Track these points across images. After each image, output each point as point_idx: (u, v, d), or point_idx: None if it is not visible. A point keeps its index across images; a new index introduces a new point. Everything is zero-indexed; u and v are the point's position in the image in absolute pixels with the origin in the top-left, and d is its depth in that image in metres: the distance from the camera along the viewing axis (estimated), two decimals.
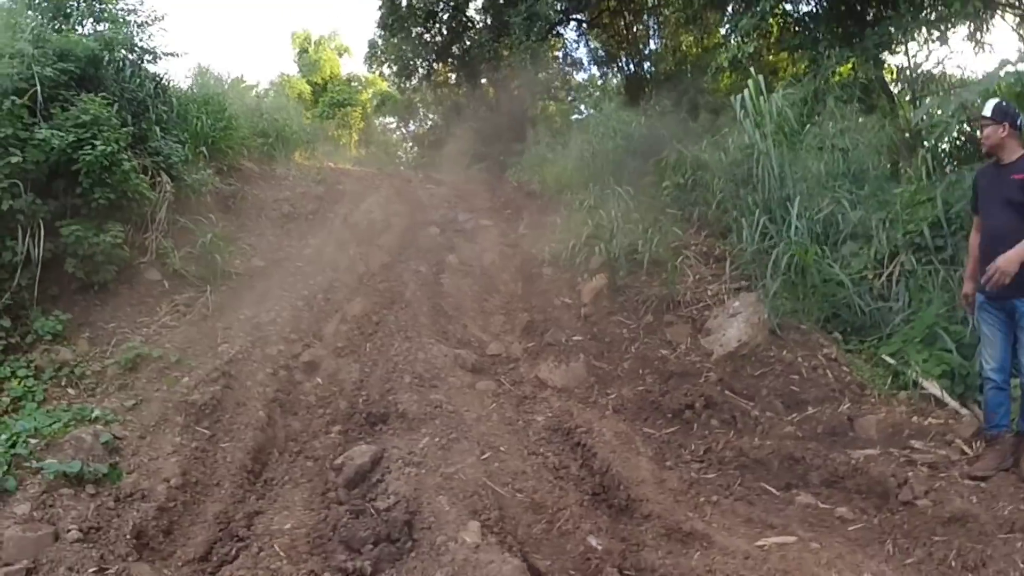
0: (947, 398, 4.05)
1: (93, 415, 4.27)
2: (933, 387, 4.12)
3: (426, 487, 3.25)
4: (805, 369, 4.42)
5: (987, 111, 3.37)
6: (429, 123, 15.00)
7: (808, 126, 6.19)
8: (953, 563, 2.57)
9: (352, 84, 16.54)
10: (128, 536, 3.24)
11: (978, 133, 3.51)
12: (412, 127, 15.84)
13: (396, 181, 9.97)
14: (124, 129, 5.74)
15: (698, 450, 3.89)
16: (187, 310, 5.86)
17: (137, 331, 5.48)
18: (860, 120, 6.30)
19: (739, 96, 5.77)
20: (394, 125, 16.55)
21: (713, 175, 6.24)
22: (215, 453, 4.11)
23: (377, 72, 15.37)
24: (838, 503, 3.15)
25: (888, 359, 4.49)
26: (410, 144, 16.11)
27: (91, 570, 2.95)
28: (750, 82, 5.69)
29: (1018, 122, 3.34)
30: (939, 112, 5.16)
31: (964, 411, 3.93)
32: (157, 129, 6.40)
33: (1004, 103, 3.42)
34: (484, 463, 3.63)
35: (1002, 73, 4.88)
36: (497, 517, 3.07)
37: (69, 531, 3.26)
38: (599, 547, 2.95)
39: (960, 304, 4.00)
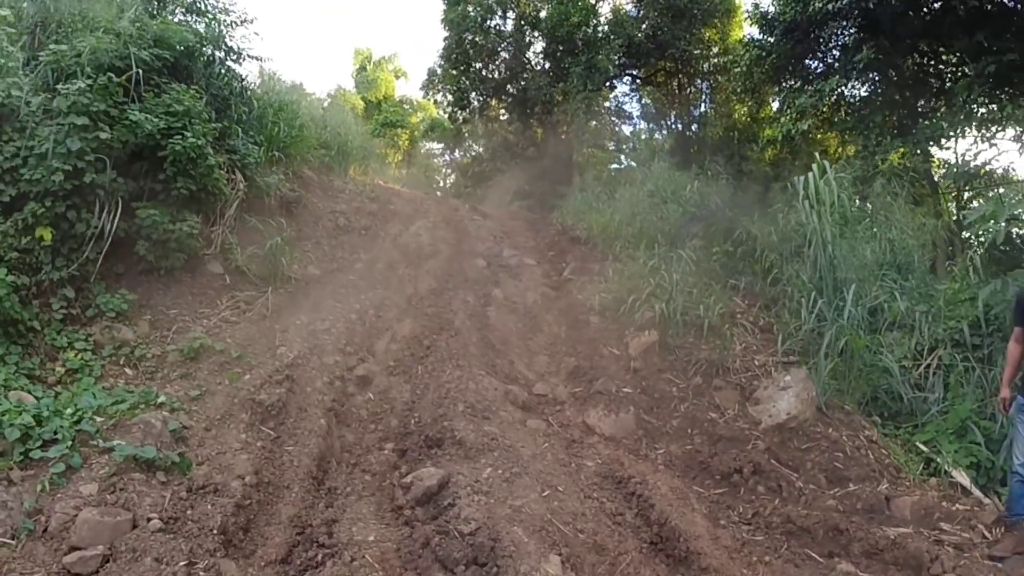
0: (973, 488, 4.41)
1: (159, 400, 4.43)
2: (962, 477, 4.48)
3: (497, 517, 3.52)
4: (848, 448, 4.75)
5: None
6: (474, 154, 15.56)
7: (857, 211, 6.63)
8: None
9: (404, 106, 17.15)
10: (215, 531, 3.33)
11: None
12: (457, 155, 16.40)
13: (444, 208, 10.38)
14: (212, 124, 6.07)
15: (746, 512, 4.20)
16: (247, 308, 6.17)
17: (198, 321, 5.76)
18: (906, 210, 6.74)
19: (802, 178, 6.20)
20: (439, 151, 17.16)
21: (763, 248, 6.63)
22: (281, 456, 4.35)
23: (432, 99, 16.00)
24: (876, 573, 3.49)
25: (922, 446, 4.84)
26: (451, 172, 16.67)
27: (181, 563, 2.99)
28: (815, 165, 6.13)
29: None
30: (991, 217, 5.60)
31: (987, 500, 4.30)
32: (239, 129, 6.76)
33: None
34: (545, 500, 3.91)
35: None
36: (568, 554, 3.35)
37: (150, 520, 3.27)
38: None
39: (996, 406, 4.35)
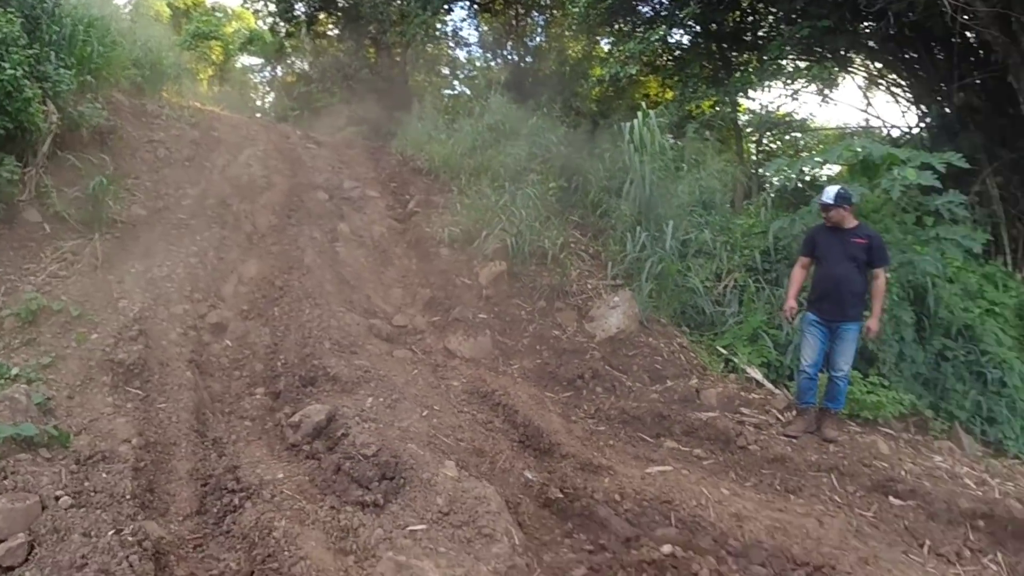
0: (765, 381, 5.79)
1: (12, 373, 4.20)
2: (755, 373, 5.85)
3: (390, 438, 4.05)
4: (665, 353, 5.96)
5: (830, 199, 4.98)
6: (299, 72, 14.62)
7: (673, 153, 7.83)
8: (778, 487, 4.15)
9: (217, 14, 15.41)
10: (127, 497, 3.39)
11: (822, 212, 5.15)
12: (279, 73, 15.30)
13: (273, 135, 9.97)
14: (29, 51, 5.40)
15: (590, 409, 5.21)
16: (75, 259, 5.75)
17: (25, 279, 5.33)
18: (713, 154, 8.10)
19: (628, 124, 7.17)
20: (257, 67, 15.86)
21: (593, 185, 7.61)
22: (157, 414, 4.40)
23: (250, 7, 14.57)
24: (695, 447, 4.66)
25: (722, 350, 6.17)
26: (271, 91, 15.57)
27: (110, 532, 3.02)
28: (640, 113, 7.12)
29: (853, 201, 5.06)
30: (786, 170, 7.04)
31: (777, 391, 5.68)
32: (51, 52, 6.02)
33: (843, 191, 5.03)
34: (426, 419, 4.53)
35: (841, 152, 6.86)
36: (457, 459, 4.04)
37: (58, 498, 3.24)
38: (534, 479, 4.08)
39: (782, 316, 5.72)
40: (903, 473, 4.54)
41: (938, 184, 5.93)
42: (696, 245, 6.91)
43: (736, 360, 5.92)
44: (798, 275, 5.24)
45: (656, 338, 6.13)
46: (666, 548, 3.23)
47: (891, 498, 4.27)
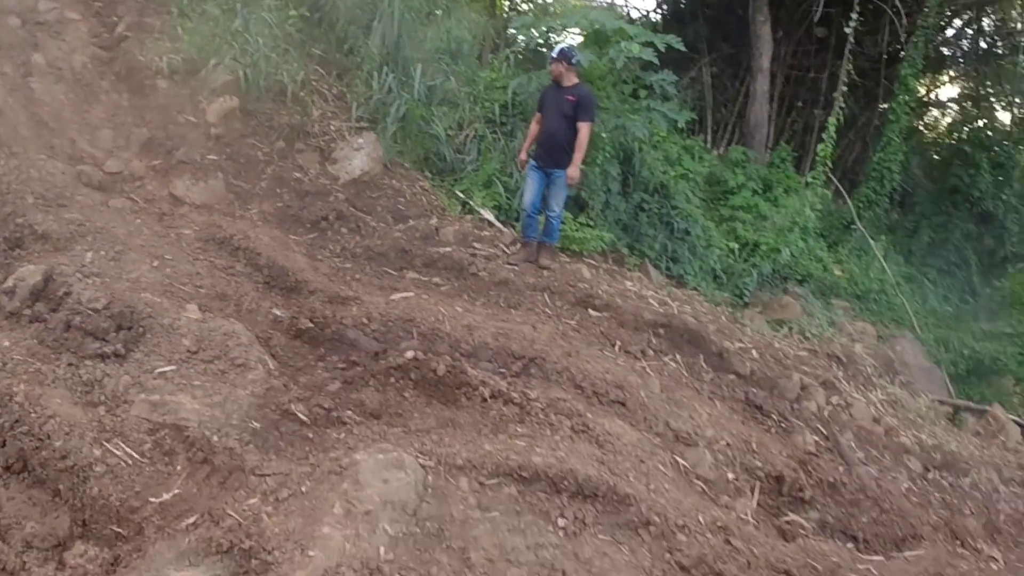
0: (496, 222, 6.55)
1: None
2: (488, 214, 6.57)
3: (120, 291, 3.89)
4: (408, 195, 6.35)
5: (555, 54, 5.68)
6: None
7: None
8: (502, 304, 4.96)
9: None
10: None
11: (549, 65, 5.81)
12: None
13: None
14: None
15: (336, 248, 5.48)
16: None
17: None
18: (464, 5, 8.23)
19: None
20: None
21: (340, 15, 7.23)
22: None
23: None
24: (433, 276, 5.29)
25: (460, 194, 6.75)
26: None
27: None
28: None
29: (573, 60, 5.74)
30: (530, 29, 7.47)
31: (506, 230, 6.50)
32: None
33: (566, 48, 5.73)
34: (158, 269, 4.37)
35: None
36: (199, 304, 4.03)
37: None
38: (283, 315, 4.29)
39: (515, 165, 6.36)
40: (600, 292, 5.71)
41: (656, 62, 6.94)
42: (442, 93, 7.17)
43: (472, 203, 6.58)
44: (533, 129, 5.99)
45: (400, 181, 6.45)
46: (409, 354, 3.79)
47: (590, 310, 5.42)
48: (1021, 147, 11.62)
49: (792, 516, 4.08)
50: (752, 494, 4.11)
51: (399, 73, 6.83)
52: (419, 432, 3.33)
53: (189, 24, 6.56)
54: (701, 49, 11.98)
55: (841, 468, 4.79)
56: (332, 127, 6.78)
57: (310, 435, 3.21)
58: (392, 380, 3.72)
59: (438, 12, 7.88)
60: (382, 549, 2.48)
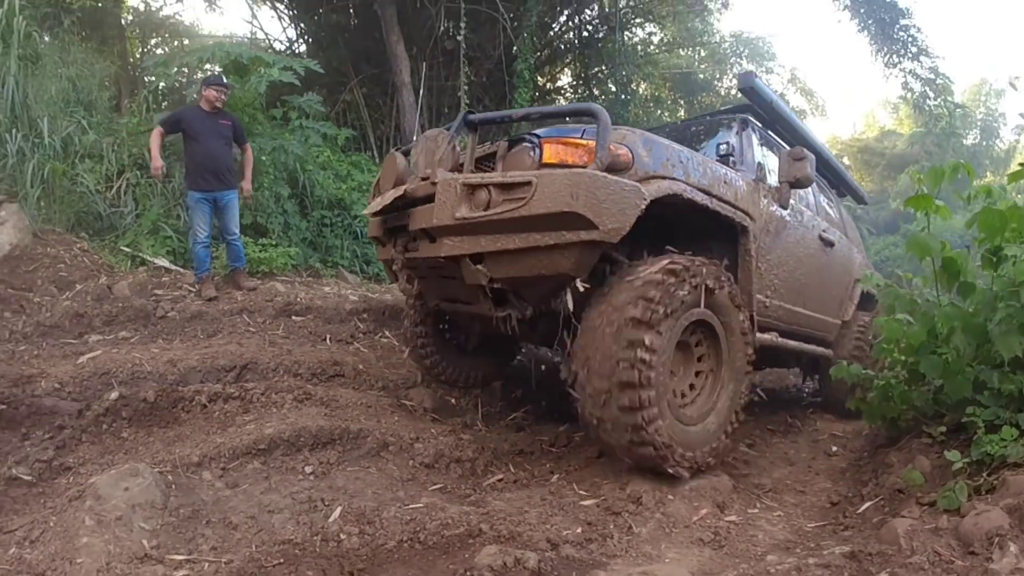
0: (172, 266, 6.74)
1: None
2: (163, 261, 6.73)
3: None
4: (68, 260, 6.20)
5: (215, 81, 6.43)
6: None
7: (43, 49, 7.47)
8: (201, 335, 5.29)
9: None
10: None
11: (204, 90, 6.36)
12: None
13: None
14: None
15: (4, 334, 5.19)
16: None
17: None
18: (91, 51, 8.06)
19: None
20: None
21: None
22: None
23: None
24: (119, 331, 5.41)
25: (125, 248, 6.77)
26: None
27: None
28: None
29: (226, 85, 6.50)
30: (169, 67, 7.69)
31: (186, 271, 6.71)
32: None
33: (220, 75, 6.58)
34: None
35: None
36: None
37: None
38: None
39: (154, 176, 6.46)
40: (299, 300, 6.36)
41: (299, 84, 7.98)
42: (82, 148, 7.09)
43: (142, 254, 6.69)
44: (157, 139, 6.23)
45: (55, 247, 6.25)
46: (114, 395, 4.00)
47: (293, 317, 6.06)
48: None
49: (517, 413, 5.13)
50: (477, 408, 5.08)
51: (29, 132, 6.57)
52: (149, 455, 3.67)
53: None
54: (348, 72, 13.11)
55: None
56: None
57: (41, 489, 3.35)
58: (105, 426, 3.91)
59: (60, 62, 7.70)
60: (144, 541, 2.87)
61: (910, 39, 14.39)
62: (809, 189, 5.61)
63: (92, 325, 5.40)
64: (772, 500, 3.76)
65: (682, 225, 4.01)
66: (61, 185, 6.64)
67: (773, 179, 4.80)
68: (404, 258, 3.90)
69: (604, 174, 3.25)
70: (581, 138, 3.51)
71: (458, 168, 3.69)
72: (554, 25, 15.57)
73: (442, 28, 12.89)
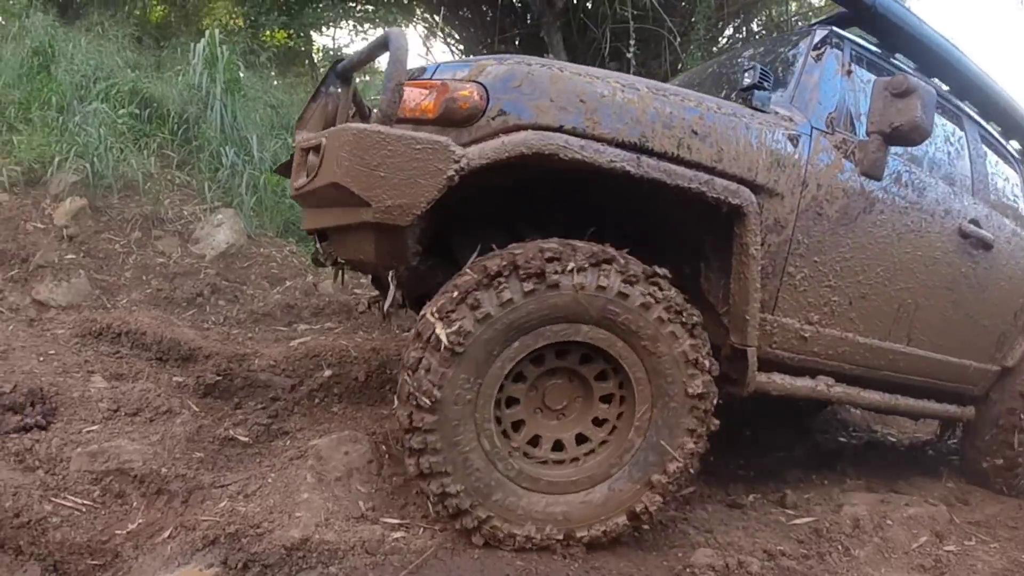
0: None
1: None
2: None
3: (19, 376, 3.99)
4: (279, 259, 6.82)
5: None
6: None
7: (244, 78, 8.45)
8: (396, 331, 5.57)
9: None
10: None
11: None
12: None
13: None
14: None
15: (219, 319, 5.82)
16: None
17: None
18: (287, 83, 9.02)
19: (198, 45, 7.43)
20: None
21: (170, 111, 7.70)
22: None
23: None
24: (325, 322, 5.82)
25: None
26: None
27: None
28: (208, 33, 7.43)
29: None
30: None
31: None
32: None
33: None
34: (46, 363, 4.41)
35: None
36: (102, 374, 4.27)
37: None
38: (185, 380, 4.59)
39: None
40: None
41: None
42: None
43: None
44: None
45: (267, 248, 6.92)
46: (327, 373, 4.28)
47: None
48: None
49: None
50: None
51: (240, 149, 7.38)
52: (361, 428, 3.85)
53: (21, 137, 6.69)
54: None
55: None
56: (186, 211, 7.13)
57: (257, 450, 3.61)
58: (317, 400, 4.19)
59: (263, 95, 8.67)
60: (360, 503, 2.99)
61: None
62: (964, 150, 3.93)
63: (301, 316, 5.87)
64: (986, 534, 3.91)
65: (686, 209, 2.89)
66: (271, 196, 7.35)
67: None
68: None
69: (380, 128, 2.34)
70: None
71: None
72: (720, 39, 15.29)
73: (608, 48, 13.03)
